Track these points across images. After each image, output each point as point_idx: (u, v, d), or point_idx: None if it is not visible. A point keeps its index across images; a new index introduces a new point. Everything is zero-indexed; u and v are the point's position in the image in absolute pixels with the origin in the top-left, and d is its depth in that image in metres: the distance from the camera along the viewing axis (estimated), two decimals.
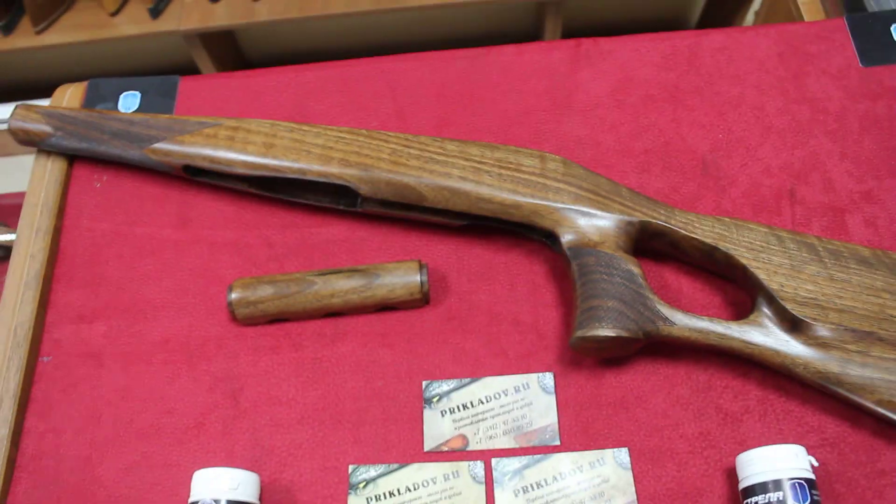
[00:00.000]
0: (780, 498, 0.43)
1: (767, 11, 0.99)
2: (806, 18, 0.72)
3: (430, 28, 1.53)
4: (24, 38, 1.38)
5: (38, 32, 1.38)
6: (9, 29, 1.38)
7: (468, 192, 0.51)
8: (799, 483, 0.43)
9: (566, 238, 0.50)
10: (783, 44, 0.62)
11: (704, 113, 0.59)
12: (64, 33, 1.38)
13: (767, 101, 0.60)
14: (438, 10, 1.41)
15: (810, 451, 0.48)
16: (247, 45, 1.57)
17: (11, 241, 0.66)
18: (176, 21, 1.36)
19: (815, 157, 0.57)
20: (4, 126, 0.91)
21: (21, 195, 0.62)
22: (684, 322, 0.47)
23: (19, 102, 0.59)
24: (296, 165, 0.53)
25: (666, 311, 0.48)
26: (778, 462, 0.44)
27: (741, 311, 0.52)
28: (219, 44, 1.47)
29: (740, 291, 0.52)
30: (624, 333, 0.46)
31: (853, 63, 0.61)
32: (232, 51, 1.54)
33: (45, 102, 0.64)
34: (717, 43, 0.62)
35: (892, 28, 0.61)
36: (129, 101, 0.63)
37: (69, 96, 0.63)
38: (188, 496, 0.45)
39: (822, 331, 0.47)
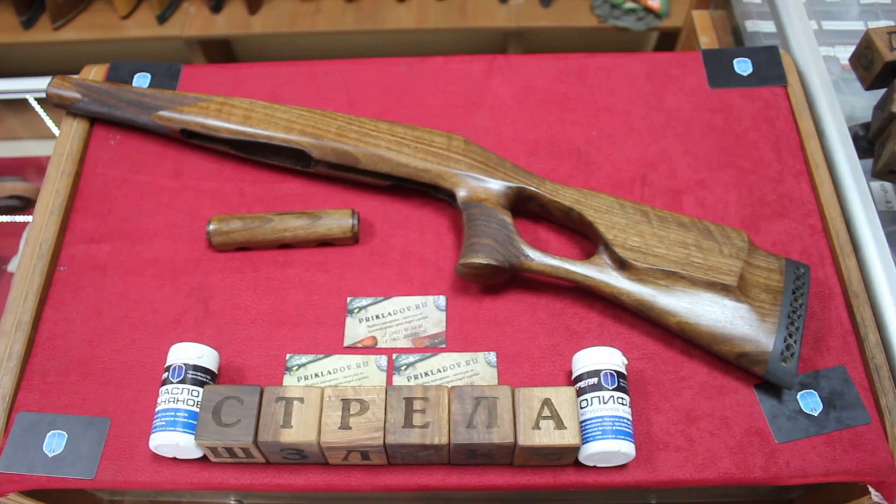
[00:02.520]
0: (596, 381, 0.59)
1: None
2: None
3: (404, 49, 1.71)
4: (43, 33, 1.54)
5: (56, 29, 1.54)
6: (30, 24, 1.55)
7: (391, 158, 0.68)
8: (610, 373, 0.60)
9: (460, 195, 0.67)
10: (651, 67, 0.80)
11: (584, 115, 0.77)
12: (79, 31, 1.54)
13: (633, 108, 0.77)
14: (413, 34, 1.60)
15: (633, 362, 0.64)
16: (241, 54, 1.74)
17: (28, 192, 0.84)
18: (180, 28, 1.53)
19: (665, 152, 0.75)
20: (23, 96, 1.13)
21: (39, 158, 0.79)
22: (541, 259, 0.64)
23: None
24: (266, 133, 0.70)
25: (528, 250, 0.64)
26: (597, 358, 0.60)
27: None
28: (216, 51, 1.64)
29: (591, 244, 0.69)
30: (493, 262, 0.63)
31: (703, 85, 0.79)
32: (228, 58, 1.71)
33: None
34: (601, 63, 0.80)
35: (733, 62, 0.79)
36: (140, 81, 0.80)
37: (94, 73, 0.80)
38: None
39: (641, 269, 0.63)
